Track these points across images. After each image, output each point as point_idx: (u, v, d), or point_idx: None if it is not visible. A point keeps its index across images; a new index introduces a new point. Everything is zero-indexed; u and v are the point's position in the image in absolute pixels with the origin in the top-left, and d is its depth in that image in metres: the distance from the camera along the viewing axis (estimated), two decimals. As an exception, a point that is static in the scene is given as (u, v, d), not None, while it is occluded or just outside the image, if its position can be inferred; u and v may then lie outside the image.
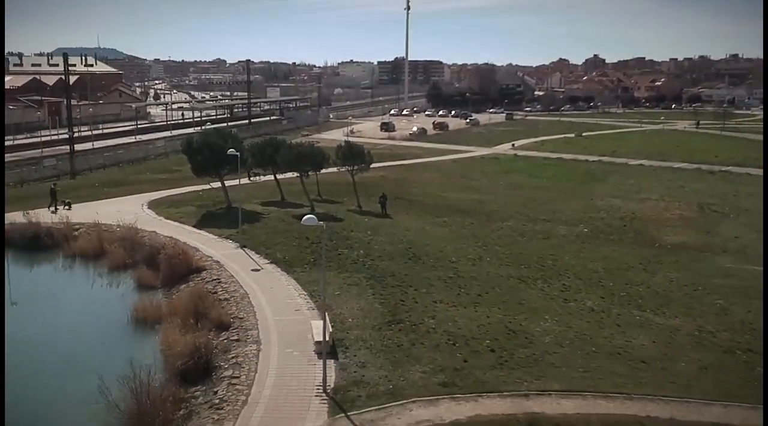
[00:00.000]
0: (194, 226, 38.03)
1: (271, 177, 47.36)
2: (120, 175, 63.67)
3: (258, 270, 29.79)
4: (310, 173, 44.82)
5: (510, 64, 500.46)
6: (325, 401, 18.00)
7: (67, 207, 43.56)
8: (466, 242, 36.78)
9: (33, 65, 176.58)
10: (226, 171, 41.22)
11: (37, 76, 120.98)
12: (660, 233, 41.69)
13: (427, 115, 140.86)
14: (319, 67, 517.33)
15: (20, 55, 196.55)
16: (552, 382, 18.88)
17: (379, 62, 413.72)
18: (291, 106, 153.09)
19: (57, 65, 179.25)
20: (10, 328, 22.23)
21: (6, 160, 66.83)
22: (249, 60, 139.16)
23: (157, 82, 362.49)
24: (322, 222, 19.15)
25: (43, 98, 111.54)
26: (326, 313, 21.42)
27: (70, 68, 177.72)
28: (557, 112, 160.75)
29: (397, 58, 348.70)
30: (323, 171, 46.68)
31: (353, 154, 45.50)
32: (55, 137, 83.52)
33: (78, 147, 74.18)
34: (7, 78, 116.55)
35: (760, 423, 17.30)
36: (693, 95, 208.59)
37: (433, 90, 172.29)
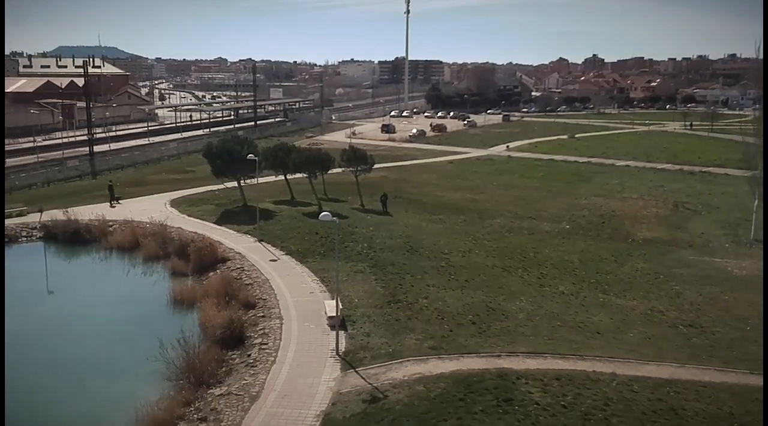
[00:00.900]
0: (215, 223, 42.57)
1: (269, 178, 51.83)
2: (138, 175, 68.04)
3: (275, 260, 34.33)
4: (317, 175, 49.27)
5: (510, 63, 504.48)
6: (338, 361, 22.53)
7: (118, 202, 49.15)
8: (458, 237, 41.24)
9: (42, 67, 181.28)
10: (242, 173, 45.71)
11: (51, 80, 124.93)
12: (634, 229, 46.04)
13: (427, 117, 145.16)
14: (320, 65, 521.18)
15: (29, 57, 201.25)
16: (520, 347, 23.42)
17: (379, 62, 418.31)
18: (294, 107, 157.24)
19: (65, 67, 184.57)
20: (67, 310, 26.80)
21: (31, 161, 71.68)
22: (253, 64, 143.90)
23: (159, 81, 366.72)
24: (335, 218, 23.64)
25: (57, 101, 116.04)
26: (338, 294, 25.90)
27: (77, 70, 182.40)
28: (553, 112, 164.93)
29: (397, 57, 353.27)
30: (329, 172, 51.22)
31: (357, 157, 50.05)
32: (73, 139, 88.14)
33: (95, 148, 78.70)
34: (20, 81, 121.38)
35: (686, 378, 21.78)
36: (687, 96, 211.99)
37: (432, 91, 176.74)
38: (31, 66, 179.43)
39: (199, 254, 34.22)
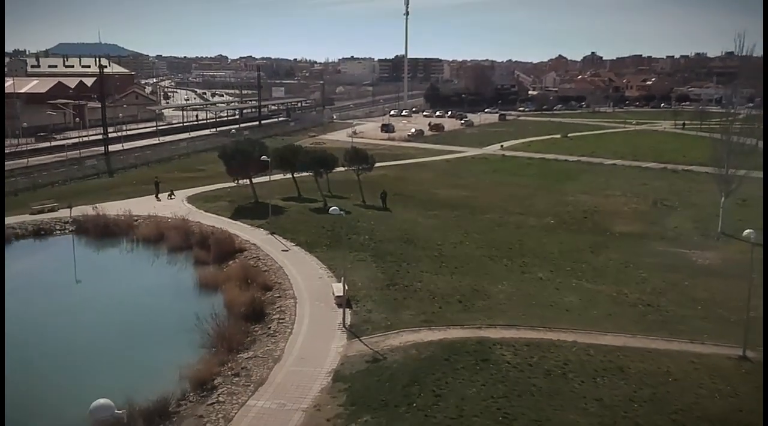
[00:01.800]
0: (230, 218, 46.83)
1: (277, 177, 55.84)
2: (152, 173, 71.84)
3: (287, 250, 38.61)
4: (323, 173, 53.49)
5: (510, 60, 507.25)
6: (345, 332, 26.84)
7: (171, 196, 54.15)
8: (450, 230, 45.49)
9: (50, 67, 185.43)
10: (254, 172, 49.96)
11: (62, 81, 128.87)
12: (613, 224, 50.22)
13: (425, 116, 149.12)
14: (320, 63, 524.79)
15: (37, 57, 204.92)
16: (498, 320, 27.72)
17: (379, 60, 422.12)
18: (297, 106, 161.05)
19: (72, 67, 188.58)
20: (107, 292, 31.03)
21: (51, 160, 75.84)
22: (258, 68, 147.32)
23: (162, 79, 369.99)
24: (342, 212, 27.89)
25: (68, 101, 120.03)
26: (344, 278, 30.15)
27: (84, 70, 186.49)
28: (549, 111, 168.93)
29: (397, 56, 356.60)
30: (333, 171, 55.42)
31: (359, 158, 54.39)
32: (87, 139, 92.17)
33: (109, 148, 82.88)
34: (33, 82, 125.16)
35: (635, 345, 26.00)
36: (682, 95, 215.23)
37: (431, 91, 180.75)
38: (39, 66, 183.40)
39: (219, 245, 38.52)
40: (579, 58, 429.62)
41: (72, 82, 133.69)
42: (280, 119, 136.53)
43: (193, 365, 23.82)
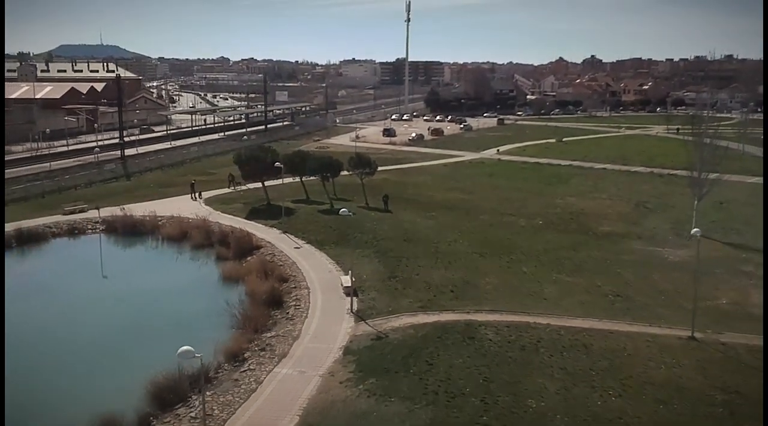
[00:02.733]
0: (245, 218, 51.35)
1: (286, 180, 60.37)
2: (167, 177, 76.61)
3: (299, 248, 43.12)
4: (329, 178, 57.97)
5: (511, 63, 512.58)
6: (352, 316, 31.35)
7: (199, 197, 59.45)
8: (447, 230, 49.91)
9: (59, 71, 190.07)
10: (266, 176, 54.48)
11: (74, 87, 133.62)
12: (596, 224, 54.60)
13: (426, 120, 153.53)
14: (322, 65, 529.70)
15: (47, 62, 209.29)
16: (484, 307, 32.22)
17: (381, 63, 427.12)
18: (302, 109, 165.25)
19: (81, 71, 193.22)
20: (141, 283, 35.49)
21: (72, 164, 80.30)
22: (264, 75, 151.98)
23: (165, 82, 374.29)
24: (350, 213, 32.36)
25: (82, 106, 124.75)
26: (351, 271, 34.63)
27: (93, 75, 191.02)
28: (547, 116, 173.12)
29: (398, 59, 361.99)
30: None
31: (362, 163, 58.90)
32: (102, 143, 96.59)
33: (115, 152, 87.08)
34: (47, 88, 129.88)
35: (600, 328, 30.45)
36: (677, 99, 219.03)
37: (431, 95, 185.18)
38: (48, 70, 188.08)
39: (238, 242, 43.04)
40: (580, 61, 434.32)
41: (84, 88, 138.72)
42: (285, 123, 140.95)
43: (225, 342, 28.26)
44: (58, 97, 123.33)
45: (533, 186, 72.38)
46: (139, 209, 53.06)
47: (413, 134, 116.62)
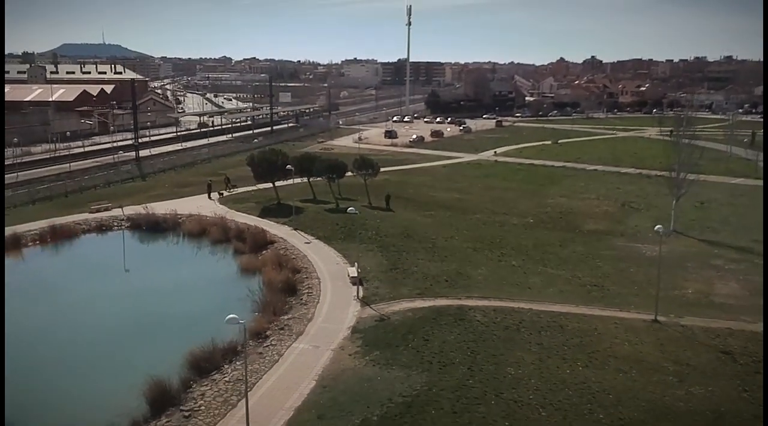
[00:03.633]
0: (258, 216, 55.68)
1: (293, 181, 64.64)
2: (181, 177, 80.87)
3: (309, 243, 47.47)
4: (335, 179, 62.27)
5: (512, 63, 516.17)
6: (358, 302, 35.68)
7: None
8: (443, 227, 54.20)
9: (68, 73, 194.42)
10: (277, 177, 58.80)
11: (86, 89, 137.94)
12: (583, 223, 58.83)
13: (426, 122, 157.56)
14: (323, 65, 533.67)
15: (56, 64, 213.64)
16: (474, 294, 36.54)
17: (382, 64, 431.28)
18: (306, 111, 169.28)
19: (89, 73, 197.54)
20: (169, 274, 39.82)
21: (88, 165, 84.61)
22: (270, 81, 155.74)
23: (169, 82, 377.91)
24: (356, 211, 36.67)
25: (94, 109, 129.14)
26: (356, 263, 38.92)
27: (100, 76, 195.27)
28: (545, 117, 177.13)
29: (400, 59, 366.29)
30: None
31: (365, 165, 63.22)
32: (115, 144, 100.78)
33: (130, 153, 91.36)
34: (60, 91, 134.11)
35: (576, 312, 34.72)
36: (673, 101, 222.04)
37: (431, 97, 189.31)
38: (57, 72, 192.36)
39: (254, 238, 47.39)
40: (581, 61, 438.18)
41: (95, 90, 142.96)
42: (290, 125, 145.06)
43: (249, 323, 32.50)
44: (72, 99, 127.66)
45: (527, 186, 76.59)
46: (159, 208, 57.38)
47: (414, 136, 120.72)
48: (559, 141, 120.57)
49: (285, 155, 59.99)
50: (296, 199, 60.27)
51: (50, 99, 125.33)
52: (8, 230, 48.64)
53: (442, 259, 44.08)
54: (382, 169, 70.69)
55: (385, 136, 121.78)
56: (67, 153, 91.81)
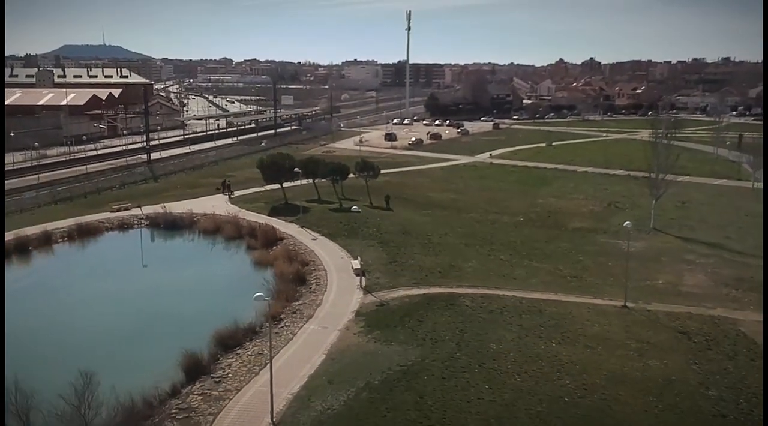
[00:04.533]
0: (268, 215, 60.09)
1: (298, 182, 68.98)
2: (191, 179, 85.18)
3: (315, 239, 51.89)
4: (338, 180, 66.70)
5: (512, 64, 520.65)
6: (361, 290, 40.13)
7: (232, 193, 69.21)
8: (439, 225, 58.54)
9: (75, 77, 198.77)
10: (285, 179, 63.24)
11: (96, 94, 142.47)
12: (570, 221, 63.09)
13: (425, 124, 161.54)
14: (324, 66, 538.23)
15: (63, 68, 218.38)
16: (465, 283, 40.96)
17: (382, 65, 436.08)
18: (308, 114, 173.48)
19: (96, 77, 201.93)
20: (188, 267, 44.25)
21: (103, 167, 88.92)
22: (274, 86, 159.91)
23: (171, 84, 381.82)
24: (360, 210, 41.08)
25: (103, 112, 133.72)
26: (359, 257, 43.29)
27: (107, 80, 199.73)
28: (541, 120, 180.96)
29: (400, 61, 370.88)
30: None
31: (367, 167, 67.66)
32: (126, 147, 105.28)
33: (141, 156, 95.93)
34: (72, 95, 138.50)
35: (554, 299, 39.09)
36: (668, 103, 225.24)
37: (430, 100, 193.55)
38: (65, 76, 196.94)
39: (265, 235, 51.83)
40: (581, 61, 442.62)
41: (103, 94, 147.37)
42: (293, 128, 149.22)
43: (265, 308, 36.88)
44: (83, 103, 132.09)
45: (519, 187, 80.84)
46: (174, 207, 61.80)
47: (413, 139, 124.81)
48: (553, 143, 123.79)
49: (292, 159, 64.45)
50: (302, 200, 64.61)
51: (62, 103, 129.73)
52: (39, 228, 53.21)
53: (437, 253, 48.49)
54: (382, 171, 75.02)
55: (385, 139, 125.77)
56: (82, 156, 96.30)
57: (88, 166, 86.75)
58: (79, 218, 57.95)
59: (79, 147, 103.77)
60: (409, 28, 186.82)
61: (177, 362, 29.64)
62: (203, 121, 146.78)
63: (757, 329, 35.54)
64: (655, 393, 28.15)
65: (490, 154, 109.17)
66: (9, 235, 50.59)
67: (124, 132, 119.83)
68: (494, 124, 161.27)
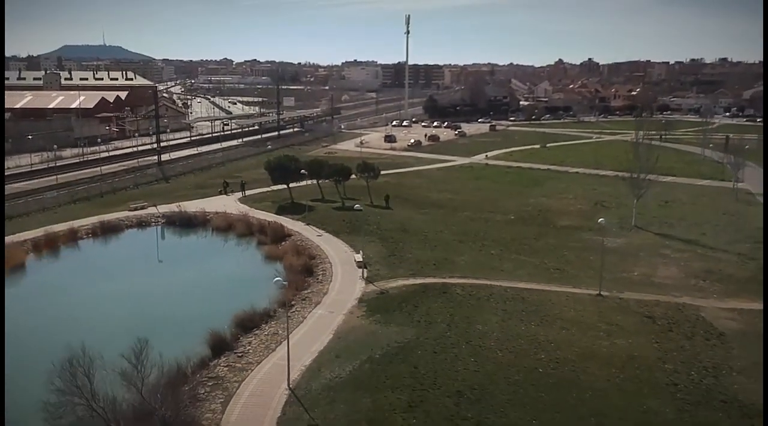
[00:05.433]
0: (275, 213, 64.47)
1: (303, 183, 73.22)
2: (200, 179, 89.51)
3: (320, 235, 56.29)
4: (341, 181, 71.10)
5: (511, 64, 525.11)
6: (364, 280, 44.56)
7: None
8: (435, 223, 62.93)
9: (81, 79, 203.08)
10: (291, 180, 67.64)
11: (104, 97, 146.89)
12: (558, 219, 67.44)
13: (424, 126, 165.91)
14: (324, 66, 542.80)
15: (69, 71, 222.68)
16: (457, 274, 45.40)
17: (382, 66, 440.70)
18: (310, 116, 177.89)
19: (102, 79, 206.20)
20: (206, 261, 48.69)
21: (116, 169, 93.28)
22: (278, 89, 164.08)
23: (170, 84, 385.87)
24: (362, 208, 45.51)
25: (112, 115, 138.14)
26: (361, 251, 47.69)
27: (112, 82, 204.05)
28: (537, 121, 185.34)
29: (399, 62, 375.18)
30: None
31: (367, 169, 72.07)
32: (136, 149, 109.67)
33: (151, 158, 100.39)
34: (81, 98, 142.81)
35: (537, 288, 43.48)
36: (663, 104, 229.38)
37: (429, 102, 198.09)
38: (71, 78, 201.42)
39: (274, 232, 56.24)
40: (580, 62, 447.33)
41: (111, 97, 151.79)
42: (296, 130, 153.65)
43: (277, 296, 41.30)
44: (92, 106, 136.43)
45: (512, 188, 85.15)
46: (188, 206, 66.21)
47: (412, 140, 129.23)
48: (548, 145, 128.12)
49: (298, 161, 68.85)
50: (307, 199, 69.02)
51: (72, 106, 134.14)
52: (65, 225, 57.62)
53: (432, 248, 52.92)
54: (382, 172, 79.36)
55: (385, 141, 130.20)
56: (95, 157, 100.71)
57: (102, 167, 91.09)
58: (101, 216, 62.36)
59: (91, 148, 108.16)
60: (408, 32, 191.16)
61: (203, 340, 34.00)
62: (208, 123, 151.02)
63: (716, 315, 40.04)
64: (618, 366, 32.54)
65: (486, 156, 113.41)
66: (39, 232, 55.19)
67: (136, 134, 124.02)
68: (491, 125, 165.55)
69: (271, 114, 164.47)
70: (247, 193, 75.03)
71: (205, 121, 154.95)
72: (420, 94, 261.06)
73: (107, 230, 58.60)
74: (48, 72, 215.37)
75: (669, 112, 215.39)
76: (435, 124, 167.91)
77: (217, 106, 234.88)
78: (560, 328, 36.95)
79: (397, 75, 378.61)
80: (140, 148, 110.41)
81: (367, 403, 28.02)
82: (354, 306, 39.80)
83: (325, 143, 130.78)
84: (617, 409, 28.40)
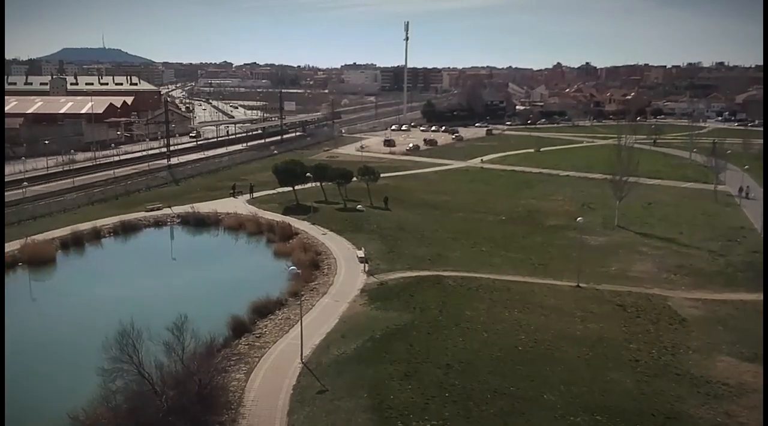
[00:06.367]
0: (282, 214, 69.17)
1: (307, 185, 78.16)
2: (208, 182, 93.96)
3: (325, 234, 61.03)
4: (343, 183, 75.86)
5: (510, 67, 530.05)
6: (365, 274, 49.30)
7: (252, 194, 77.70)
8: (431, 223, 67.62)
9: (86, 84, 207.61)
10: (296, 183, 72.42)
11: (112, 102, 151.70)
12: (546, 219, 72.10)
13: (422, 131, 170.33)
14: (323, 70, 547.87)
15: (75, 75, 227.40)
16: (449, 268, 50.13)
17: (381, 69, 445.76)
18: (312, 121, 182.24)
19: (106, 84, 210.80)
20: (221, 258, 53.51)
21: (128, 172, 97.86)
22: (281, 94, 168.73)
23: (171, 87, 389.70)
24: (363, 209, 50.23)
25: (120, 120, 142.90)
26: (363, 248, 52.40)
27: (117, 88, 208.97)
28: (533, 126, 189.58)
29: (398, 65, 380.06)
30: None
31: (368, 172, 76.83)
32: (148, 153, 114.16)
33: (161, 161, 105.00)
34: (89, 103, 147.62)
35: (521, 280, 48.19)
36: (656, 109, 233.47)
37: (427, 107, 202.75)
38: (77, 83, 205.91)
39: (282, 230, 60.98)
40: (579, 65, 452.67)
41: (118, 102, 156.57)
42: (298, 134, 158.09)
43: (287, 287, 46.03)
44: (101, 111, 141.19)
45: (505, 190, 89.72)
46: (200, 207, 70.91)
47: (410, 144, 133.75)
48: (542, 149, 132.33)
49: (303, 165, 73.65)
50: (312, 201, 73.66)
51: (82, 111, 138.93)
52: (88, 225, 62.30)
53: (428, 245, 57.68)
54: (381, 175, 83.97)
55: (384, 145, 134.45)
56: (108, 161, 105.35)
57: (115, 170, 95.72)
58: (121, 216, 67.05)
59: (102, 152, 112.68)
60: (407, 39, 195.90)
61: (225, 323, 38.71)
62: (213, 127, 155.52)
63: (681, 304, 44.77)
64: (589, 345, 37.25)
65: (482, 160, 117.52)
66: (65, 231, 59.89)
67: (146, 138, 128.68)
68: (487, 130, 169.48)
69: (273, 118, 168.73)
70: (255, 195, 79.61)
71: (211, 125, 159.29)
72: (419, 97, 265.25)
73: (127, 229, 63.29)
74: (54, 77, 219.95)
75: (662, 116, 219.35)
76: (433, 128, 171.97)
77: (220, 110, 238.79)
78: (540, 314, 41.66)
79: (396, 78, 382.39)
80: (150, 152, 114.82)
81: (369, 373, 32.73)
82: (357, 295, 44.52)
83: (326, 147, 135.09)
84: (584, 380, 33.08)
